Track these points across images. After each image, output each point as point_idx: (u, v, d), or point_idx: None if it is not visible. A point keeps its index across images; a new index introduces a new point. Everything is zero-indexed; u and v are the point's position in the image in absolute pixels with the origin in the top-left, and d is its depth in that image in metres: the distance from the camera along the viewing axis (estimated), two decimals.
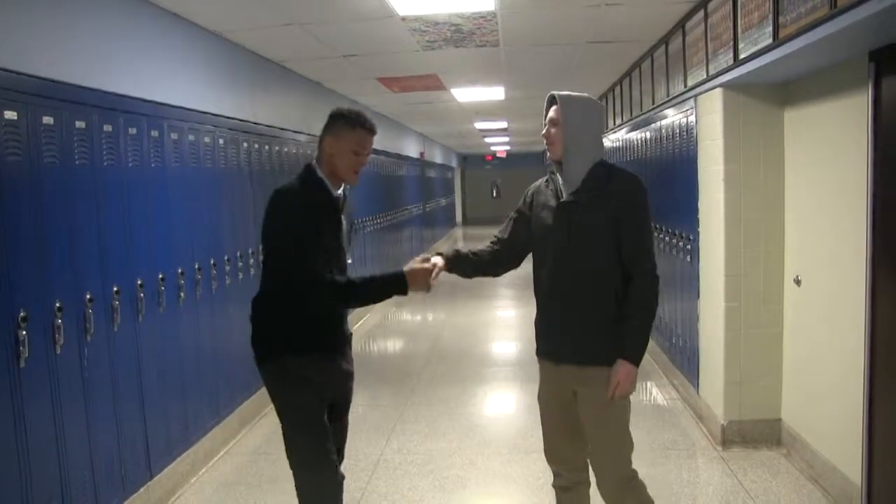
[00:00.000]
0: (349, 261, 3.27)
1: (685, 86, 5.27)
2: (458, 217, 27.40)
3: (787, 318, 4.60)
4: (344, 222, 3.11)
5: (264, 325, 3.07)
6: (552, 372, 3.05)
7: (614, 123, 9.02)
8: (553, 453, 3.12)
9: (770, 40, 3.55)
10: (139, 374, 4.02)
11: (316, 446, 3.00)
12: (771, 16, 3.54)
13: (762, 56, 3.72)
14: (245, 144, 5.55)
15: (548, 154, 3.01)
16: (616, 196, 2.87)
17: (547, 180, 3.06)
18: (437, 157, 20.26)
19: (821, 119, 4.13)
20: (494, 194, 29.91)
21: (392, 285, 3.00)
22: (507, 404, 6.09)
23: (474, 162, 29.21)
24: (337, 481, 3.06)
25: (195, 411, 4.68)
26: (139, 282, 3.99)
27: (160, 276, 4.20)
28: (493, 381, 6.82)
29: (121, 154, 3.87)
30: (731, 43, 4.11)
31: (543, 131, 2.98)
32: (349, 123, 2.97)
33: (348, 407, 3.29)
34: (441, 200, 20.85)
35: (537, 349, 3.16)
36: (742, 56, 4.00)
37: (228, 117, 5.30)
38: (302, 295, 2.89)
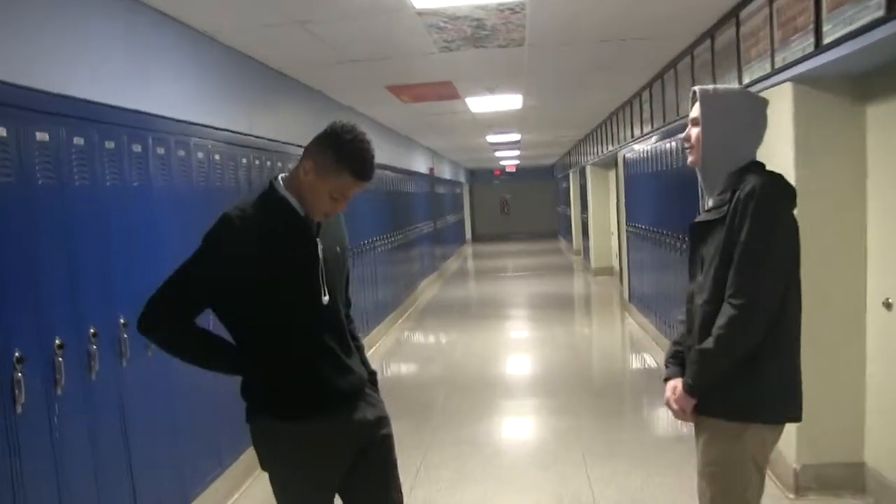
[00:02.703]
0: (350, 298, 2.66)
1: (739, 83, 4.68)
2: (468, 234, 26.83)
3: (872, 347, 3.99)
4: (321, 249, 2.41)
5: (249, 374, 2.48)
6: None
7: (641, 132, 8.47)
8: None
9: (881, 12, 2.93)
10: (123, 426, 3.41)
11: None
12: None
13: (863, 35, 3.10)
14: (244, 160, 4.97)
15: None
16: (734, 206, 2.39)
17: None
18: (446, 173, 19.75)
19: None
20: (504, 210, 29.36)
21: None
22: (539, 442, 5.45)
23: (482, 177, 28.66)
24: None
25: (193, 461, 4.07)
26: (122, 321, 3.38)
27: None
28: (520, 414, 6.23)
29: (96, 171, 3.28)
30: (813, 25, 3.50)
31: (683, 134, 2.64)
32: (338, 160, 2.31)
33: (385, 451, 2.65)
34: (451, 217, 20.31)
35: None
36: (829, 40, 3.39)
37: (223, 129, 4.72)
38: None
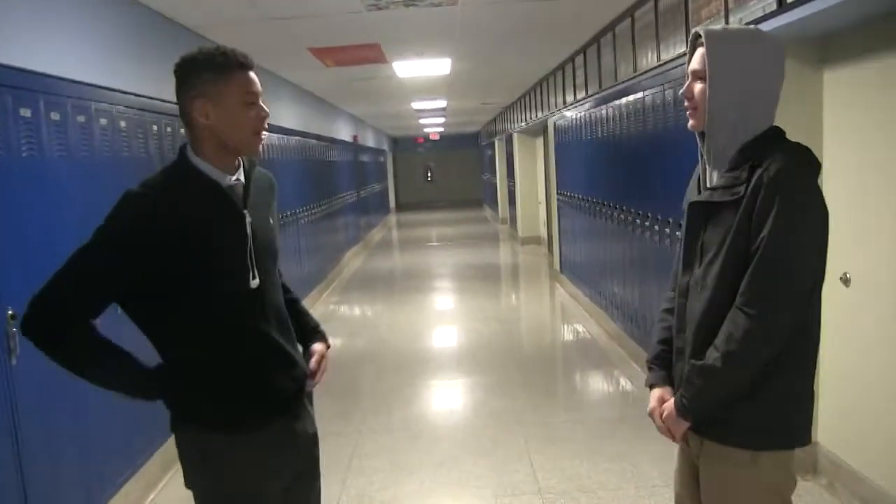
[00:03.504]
0: (280, 273, 2.23)
1: (688, 46, 4.44)
2: (392, 203, 26.42)
3: (827, 324, 3.81)
4: (249, 223, 2.02)
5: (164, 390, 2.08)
6: None
7: (574, 98, 8.23)
8: None
9: None
10: (14, 429, 3.00)
11: None
12: None
13: None
14: (154, 127, 4.51)
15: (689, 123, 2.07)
16: (754, 187, 1.86)
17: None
18: (370, 141, 19.29)
19: (877, 79, 3.35)
20: (428, 178, 29.02)
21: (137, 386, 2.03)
22: (477, 426, 5.14)
23: (405, 145, 28.22)
24: None
25: (103, 462, 3.67)
26: (9, 312, 2.95)
27: None
28: (454, 394, 5.95)
29: None
30: None
31: (682, 89, 2.05)
32: (215, 70, 1.93)
33: (315, 481, 2.31)
34: (375, 186, 19.86)
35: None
36: None
37: (130, 93, 4.26)
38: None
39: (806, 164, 1.91)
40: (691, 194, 2.11)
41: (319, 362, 2.23)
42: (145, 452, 4.15)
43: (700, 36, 1.96)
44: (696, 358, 1.96)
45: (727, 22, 3.84)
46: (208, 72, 1.92)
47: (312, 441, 2.24)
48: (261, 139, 2.01)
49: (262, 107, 1.99)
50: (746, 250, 1.87)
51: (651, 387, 2.18)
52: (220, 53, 1.93)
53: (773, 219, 1.81)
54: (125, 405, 3.77)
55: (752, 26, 2.13)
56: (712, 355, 1.90)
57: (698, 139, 2.07)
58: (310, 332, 2.32)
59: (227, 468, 2.02)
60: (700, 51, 1.97)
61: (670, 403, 2.05)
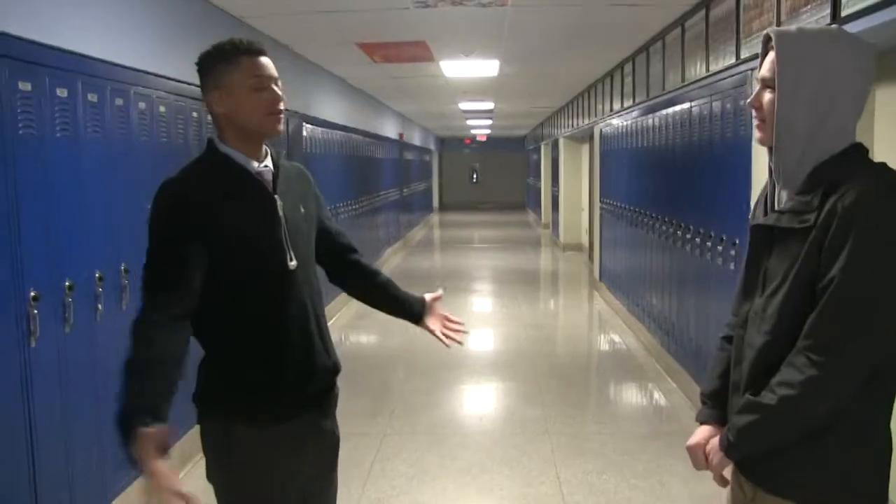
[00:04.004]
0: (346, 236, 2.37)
1: (737, 58, 4.31)
2: (435, 202, 26.41)
3: None
4: (280, 206, 2.05)
5: (201, 369, 2.08)
6: None
7: (621, 106, 8.10)
8: None
9: None
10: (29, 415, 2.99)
11: None
12: None
13: (890, 8, 2.74)
14: (194, 114, 4.50)
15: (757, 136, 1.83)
16: (826, 216, 1.61)
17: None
18: (416, 139, 19.27)
19: None
20: (473, 180, 28.95)
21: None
22: (504, 434, 5.05)
23: (452, 145, 28.19)
24: None
25: (114, 454, 3.64)
26: (31, 294, 2.94)
27: (67, 283, 3.17)
28: (484, 400, 5.88)
29: (5, 118, 2.81)
30: None
31: (750, 98, 1.80)
32: (225, 60, 2.00)
33: (331, 480, 2.28)
34: (419, 185, 19.85)
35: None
36: (849, 11, 3.01)
37: (171, 79, 4.25)
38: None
39: (889, 191, 1.62)
40: (757, 213, 1.88)
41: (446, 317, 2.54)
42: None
43: (771, 38, 1.72)
44: (750, 392, 1.74)
45: None
46: (219, 62, 2.01)
47: (335, 441, 2.25)
48: (278, 119, 2.04)
49: (273, 89, 2.03)
50: (813, 286, 1.63)
51: (702, 423, 1.95)
52: (228, 43, 2.03)
53: (847, 255, 1.56)
54: None
55: (833, 26, 1.83)
56: (767, 396, 1.67)
57: (767, 154, 1.82)
58: (416, 299, 2.49)
59: (249, 461, 2.01)
60: (770, 55, 1.73)
61: (716, 438, 1.84)
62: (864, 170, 1.66)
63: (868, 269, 1.57)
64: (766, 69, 1.74)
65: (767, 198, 1.83)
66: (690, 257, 5.42)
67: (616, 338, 7.61)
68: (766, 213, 1.81)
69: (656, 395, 5.73)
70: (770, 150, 1.77)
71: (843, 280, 1.57)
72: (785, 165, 1.72)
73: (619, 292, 8.43)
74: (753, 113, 1.80)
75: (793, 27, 1.75)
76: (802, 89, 1.66)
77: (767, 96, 1.73)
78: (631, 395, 6.00)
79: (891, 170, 1.67)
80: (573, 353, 7.43)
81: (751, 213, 1.97)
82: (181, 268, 1.88)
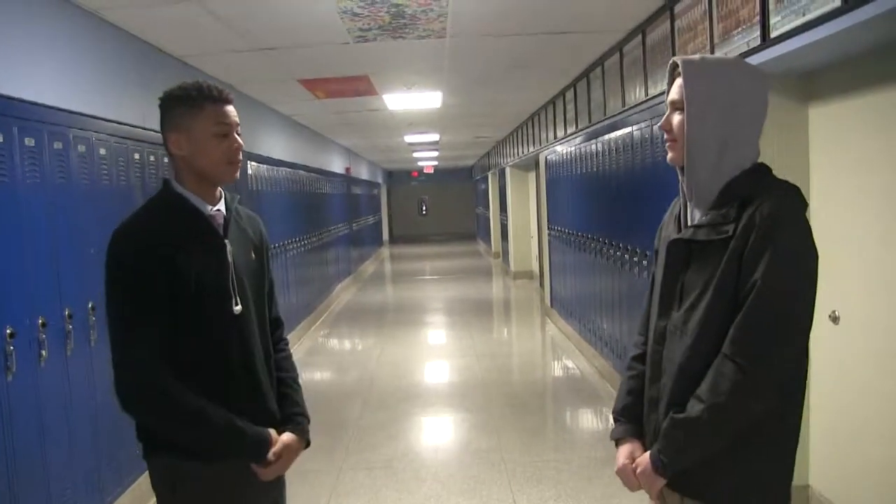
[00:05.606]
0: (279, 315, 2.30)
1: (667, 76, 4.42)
2: (385, 235, 26.39)
3: (817, 363, 3.75)
4: (229, 248, 2.05)
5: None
6: None
7: (565, 133, 8.22)
8: None
9: (838, 2, 2.66)
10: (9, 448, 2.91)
11: None
12: None
13: (817, 28, 2.84)
14: (136, 156, 4.45)
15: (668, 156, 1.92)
16: (745, 227, 1.72)
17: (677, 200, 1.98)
18: (364, 173, 19.28)
19: (863, 116, 3.32)
20: (421, 212, 29.02)
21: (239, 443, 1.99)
22: (461, 465, 5.05)
23: (400, 178, 28.26)
24: None
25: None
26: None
27: (7, 331, 3.09)
28: (439, 431, 5.85)
29: None
30: (759, 17, 3.23)
31: (660, 121, 1.91)
32: (188, 104, 1.99)
33: None
34: (368, 218, 19.84)
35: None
36: (777, 33, 3.12)
37: (111, 121, 4.21)
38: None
39: (799, 204, 1.76)
40: (668, 231, 1.96)
41: (279, 455, 2.06)
42: (114, 492, 4.03)
43: (678, 65, 1.84)
44: (674, 410, 1.79)
45: (713, 54, 3.81)
46: (182, 105, 2.00)
47: (281, 480, 2.23)
48: (236, 168, 2.06)
49: (234, 138, 2.04)
50: (735, 294, 1.72)
51: (617, 441, 2.01)
52: (195, 87, 2.01)
53: (766, 262, 1.67)
54: (93, 439, 3.70)
55: (733, 56, 1.99)
56: (695, 407, 1.73)
57: (679, 174, 1.91)
58: (287, 416, 2.21)
59: (195, 498, 2.00)
60: (678, 81, 1.84)
61: (645, 458, 1.88)
62: (775, 184, 1.80)
63: (786, 274, 1.69)
64: (674, 93, 1.85)
65: (679, 216, 1.92)
66: (638, 280, 5.49)
67: (569, 363, 7.65)
68: (679, 230, 1.90)
69: (610, 419, 5.73)
70: (681, 169, 1.87)
71: (765, 283, 1.67)
72: (696, 183, 1.83)
73: (571, 318, 8.49)
74: (664, 136, 1.89)
75: (696, 55, 1.87)
76: (710, 110, 1.79)
77: (677, 118, 1.84)
78: (586, 420, 6.02)
79: (795, 186, 1.80)
80: (527, 380, 7.45)
81: (657, 235, 2.06)
82: (152, 313, 1.90)
